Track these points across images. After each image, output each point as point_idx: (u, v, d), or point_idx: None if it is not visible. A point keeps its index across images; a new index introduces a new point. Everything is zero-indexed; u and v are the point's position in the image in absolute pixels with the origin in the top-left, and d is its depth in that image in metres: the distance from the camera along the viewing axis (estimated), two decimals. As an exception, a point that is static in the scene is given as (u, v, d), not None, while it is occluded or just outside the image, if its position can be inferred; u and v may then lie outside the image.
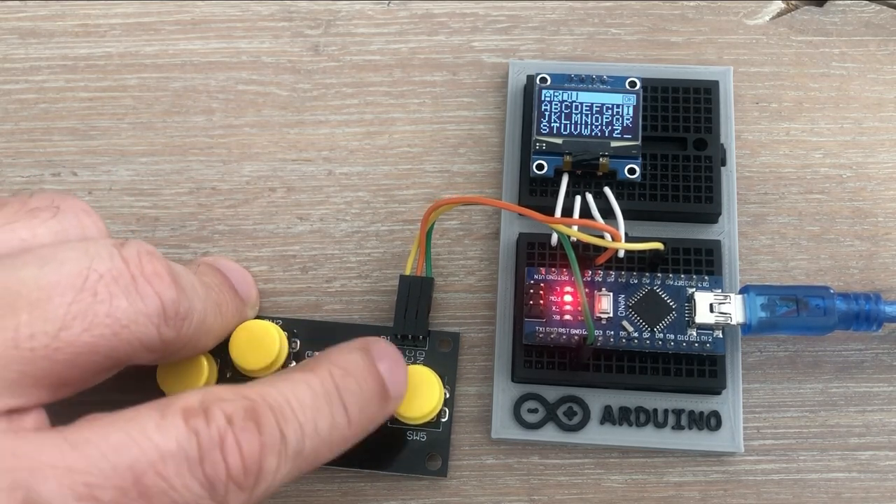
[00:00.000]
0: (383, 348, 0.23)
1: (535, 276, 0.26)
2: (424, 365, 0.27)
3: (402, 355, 0.24)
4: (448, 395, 0.27)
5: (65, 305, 0.19)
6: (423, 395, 0.25)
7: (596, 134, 0.27)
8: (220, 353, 0.26)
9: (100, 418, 0.18)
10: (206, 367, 0.26)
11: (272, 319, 0.27)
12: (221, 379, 0.27)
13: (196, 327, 0.22)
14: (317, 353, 0.23)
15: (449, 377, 0.27)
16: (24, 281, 0.19)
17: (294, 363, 0.27)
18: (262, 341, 0.26)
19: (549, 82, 0.28)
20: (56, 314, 0.19)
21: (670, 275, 0.26)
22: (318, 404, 0.21)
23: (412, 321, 0.26)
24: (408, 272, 0.27)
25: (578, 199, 0.28)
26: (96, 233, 0.22)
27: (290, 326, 0.27)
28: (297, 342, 0.27)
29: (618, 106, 0.28)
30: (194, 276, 0.23)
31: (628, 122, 0.28)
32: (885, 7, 0.31)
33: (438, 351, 0.27)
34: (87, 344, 0.19)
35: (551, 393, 0.27)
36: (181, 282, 0.21)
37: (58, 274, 0.19)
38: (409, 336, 0.27)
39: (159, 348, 0.21)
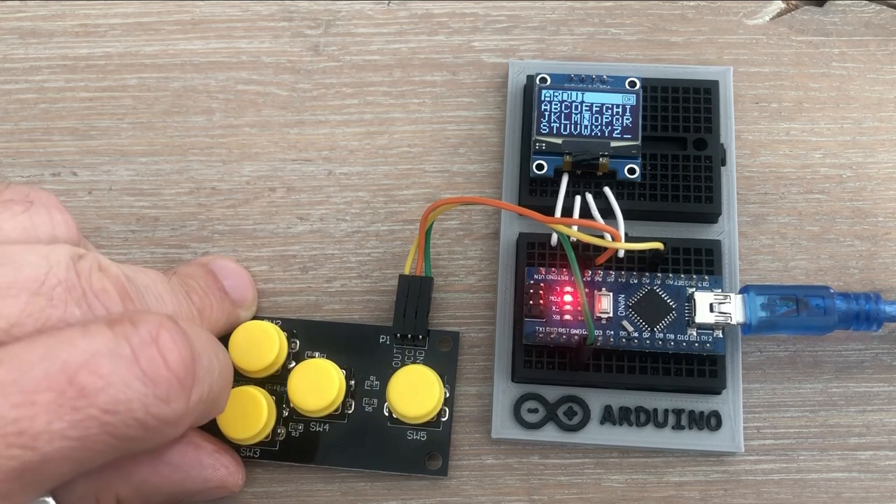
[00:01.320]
0: (223, 265, 0.26)
1: (535, 276, 0.26)
2: (424, 364, 0.27)
3: (245, 270, 0.27)
4: (448, 395, 0.27)
5: (20, 304, 0.19)
6: (422, 394, 0.25)
7: (596, 134, 0.27)
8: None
9: (23, 339, 0.18)
10: None
11: (272, 320, 0.27)
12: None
13: (206, 398, 0.22)
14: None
15: (449, 376, 0.27)
16: None
17: (294, 363, 0.27)
18: (261, 342, 0.26)
19: (549, 82, 0.28)
20: (10, 311, 0.19)
21: (670, 275, 0.26)
22: (213, 340, 0.22)
23: (412, 321, 0.26)
24: (407, 272, 0.27)
25: (578, 199, 0.28)
26: (65, 231, 0.22)
27: (290, 327, 0.27)
28: (296, 342, 0.27)
29: (618, 106, 0.28)
30: (166, 284, 0.23)
31: (628, 122, 0.28)
32: (885, 7, 0.31)
33: (438, 350, 0.27)
34: None
35: (551, 393, 0.27)
36: (141, 294, 0.21)
37: (16, 275, 0.19)
38: (409, 336, 0.27)
39: (160, 430, 0.21)
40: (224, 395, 0.23)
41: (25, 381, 0.17)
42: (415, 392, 0.25)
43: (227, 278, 0.27)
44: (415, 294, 0.27)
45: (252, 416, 0.25)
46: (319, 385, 0.26)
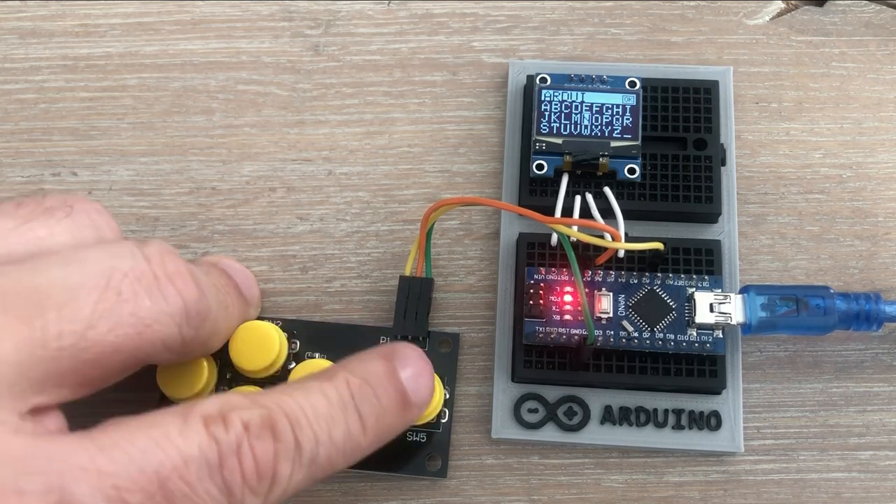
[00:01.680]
0: (407, 354, 0.23)
1: (536, 276, 0.26)
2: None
3: (428, 361, 0.23)
4: (448, 396, 0.27)
5: (91, 305, 0.19)
6: None
7: (596, 134, 0.27)
8: (220, 353, 0.26)
9: (124, 422, 0.18)
10: (205, 367, 0.26)
11: (272, 320, 0.27)
12: (221, 380, 0.27)
13: (211, 327, 0.22)
14: (338, 362, 0.23)
15: (449, 378, 0.27)
16: (50, 281, 0.19)
17: (294, 364, 0.27)
18: (261, 342, 0.26)
19: (549, 82, 0.28)
20: (83, 314, 0.19)
21: (670, 275, 0.26)
22: (333, 413, 0.21)
23: (412, 322, 0.26)
24: (408, 273, 0.27)
25: (578, 199, 0.28)
26: (109, 232, 0.22)
27: (290, 327, 0.27)
28: (296, 343, 0.27)
29: (618, 106, 0.28)
30: (206, 277, 0.23)
31: (628, 122, 0.28)
32: (885, 7, 0.31)
33: (438, 352, 0.27)
34: (112, 343, 0.19)
35: (551, 393, 0.27)
36: (200, 282, 0.21)
37: (82, 274, 0.19)
38: (409, 337, 0.27)
39: (179, 348, 0.21)
40: (344, 463, 0.22)
41: (121, 477, 0.17)
42: None
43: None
44: (415, 295, 0.27)
45: None
46: None
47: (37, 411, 0.19)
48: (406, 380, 0.22)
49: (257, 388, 0.26)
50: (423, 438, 0.26)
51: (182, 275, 0.21)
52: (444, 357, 0.27)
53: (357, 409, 0.21)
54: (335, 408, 0.21)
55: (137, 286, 0.20)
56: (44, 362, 0.18)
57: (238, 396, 0.20)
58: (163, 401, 0.27)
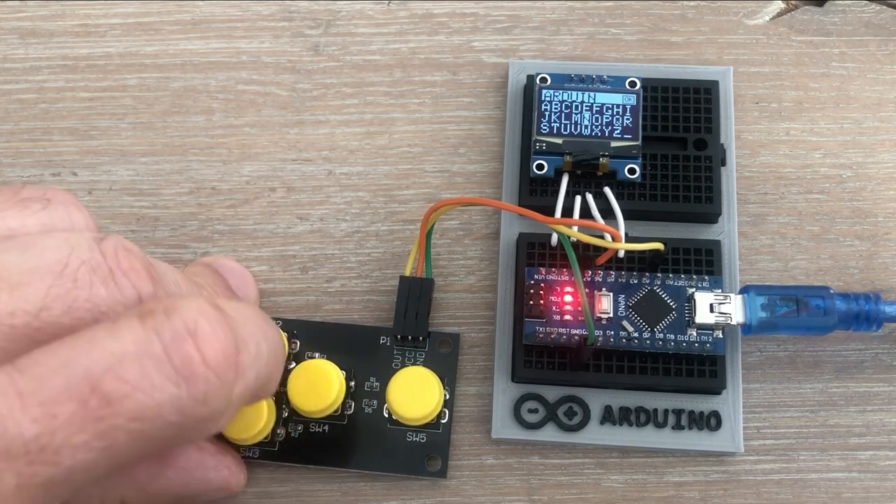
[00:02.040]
0: (224, 264, 0.26)
1: (536, 277, 0.26)
2: (424, 366, 0.27)
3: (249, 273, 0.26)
4: (448, 396, 0.27)
5: (45, 288, 0.18)
6: (422, 396, 0.25)
7: (596, 134, 0.27)
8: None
9: (51, 342, 0.18)
10: None
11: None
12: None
13: (252, 391, 0.21)
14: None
15: (449, 378, 0.27)
16: (5, 265, 0.19)
17: (294, 364, 0.27)
18: None
19: (549, 82, 0.28)
20: (36, 296, 0.18)
21: (670, 275, 0.26)
22: (264, 318, 0.20)
23: (412, 322, 0.26)
24: (408, 273, 0.27)
25: (578, 199, 0.27)
26: (84, 228, 0.22)
27: (290, 327, 0.27)
28: (296, 343, 0.27)
29: (618, 106, 0.28)
30: (181, 274, 0.23)
31: (628, 122, 0.28)
32: (885, 7, 0.31)
33: (438, 352, 0.27)
34: (67, 327, 0.18)
35: (551, 393, 0.27)
36: (161, 278, 0.21)
37: (38, 259, 0.19)
38: (409, 337, 0.27)
39: (196, 425, 0.20)
40: (275, 378, 0.21)
41: (45, 392, 0.17)
42: (414, 394, 0.25)
43: (231, 278, 0.26)
44: (415, 296, 0.27)
45: (252, 416, 0.25)
46: (319, 386, 0.26)
47: None
48: (233, 287, 0.25)
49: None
50: (422, 439, 0.26)
51: (136, 270, 0.20)
52: (445, 357, 0.27)
53: (273, 324, 0.21)
54: (260, 314, 0.21)
55: (93, 276, 0.19)
56: None
57: (181, 295, 0.19)
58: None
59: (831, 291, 0.26)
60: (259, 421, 0.25)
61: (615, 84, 0.28)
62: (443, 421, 0.26)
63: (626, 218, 0.27)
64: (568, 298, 0.26)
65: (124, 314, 0.18)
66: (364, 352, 0.27)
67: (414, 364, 0.27)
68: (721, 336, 0.26)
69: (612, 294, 0.26)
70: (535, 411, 0.27)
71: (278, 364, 0.21)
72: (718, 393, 0.26)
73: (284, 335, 0.27)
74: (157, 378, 0.17)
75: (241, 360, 0.18)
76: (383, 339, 0.27)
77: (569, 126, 0.28)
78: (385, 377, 0.27)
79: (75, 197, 0.22)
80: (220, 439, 0.26)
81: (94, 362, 0.17)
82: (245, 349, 0.19)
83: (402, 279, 0.27)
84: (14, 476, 0.16)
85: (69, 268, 0.19)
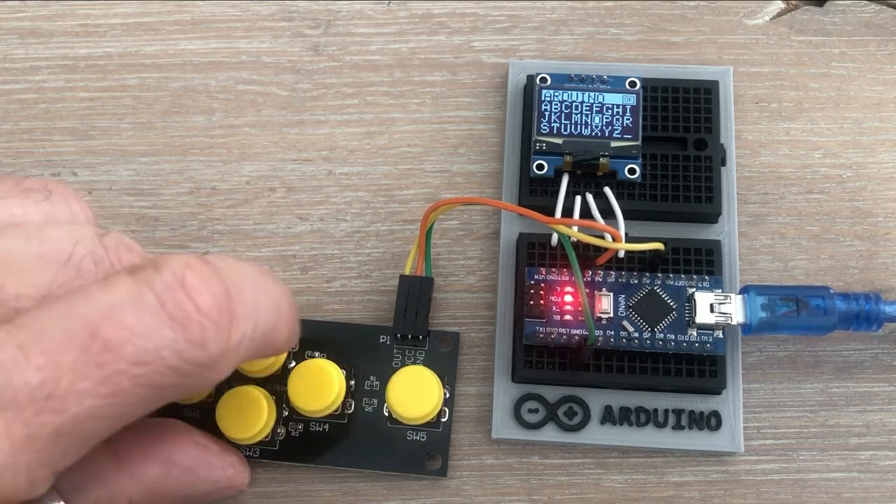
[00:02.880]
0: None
1: (536, 277, 0.26)
2: (424, 365, 0.27)
3: None
4: (448, 395, 0.27)
5: (50, 275, 0.19)
6: (422, 395, 0.25)
7: (596, 134, 0.27)
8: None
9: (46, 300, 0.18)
10: None
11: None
12: (221, 383, 0.27)
13: (257, 347, 0.21)
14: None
15: (449, 377, 0.27)
16: (11, 250, 0.19)
17: (294, 364, 0.27)
18: None
19: (549, 82, 0.28)
20: (42, 282, 0.18)
21: (670, 275, 0.26)
22: (262, 272, 0.21)
23: (412, 321, 0.26)
24: (407, 272, 0.27)
25: (578, 199, 0.27)
26: (84, 220, 0.22)
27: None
28: (296, 342, 0.27)
29: (618, 106, 0.28)
30: None
31: (628, 122, 0.28)
32: (885, 7, 0.31)
33: (438, 351, 0.27)
34: None
35: (551, 393, 0.27)
36: (237, 307, 0.20)
37: (43, 248, 0.19)
38: (409, 336, 0.27)
39: (195, 375, 0.20)
40: (284, 329, 0.21)
41: (46, 341, 0.17)
42: (414, 393, 0.25)
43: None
44: (415, 295, 0.27)
45: (252, 416, 0.25)
46: (319, 386, 0.26)
47: None
48: None
49: (259, 388, 0.26)
50: (423, 437, 0.26)
51: (198, 299, 0.19)
52: (444, 356, 0.27)
53: (276, 278, 0.21)
54: (259, 269, 0.21)
55: (97, 269, 0.19)
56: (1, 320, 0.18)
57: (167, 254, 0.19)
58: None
59: (831, 291, 0.26)
60: (259, 421, 0.25)
61: (615, 84, 0.28)
62: (443, 420, 0.26)
63: (626, 218, 0.27)
64: (568, 298, 0.26)
65: (114, 272, 0.18)
66: (364, 351, 0.27)
67: (414, 363, 0.27)
68: (721, 336, 0.26)
69: (612, 294, 0.26)
70: (535, 411, 0.27)
71: (282, 317, 0.21)
72: (718, 393, 0.26)
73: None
74: (154, 323, 0.17)
75: (234, 309, 0.19)
76: (383, 338, 0.27)
77: (569, 126, 0.28)
78: (385, 376, 0.27)
79: (75, 191, 0.22)
80: (219, 438, 0.26)
81: (91, 311, 0.17)
82: (240, 299, 0.19)
83: (402, 278, 0.27)
84: (23, 426, 0.17)
85: (73, 258, 0.19)
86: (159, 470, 0.23)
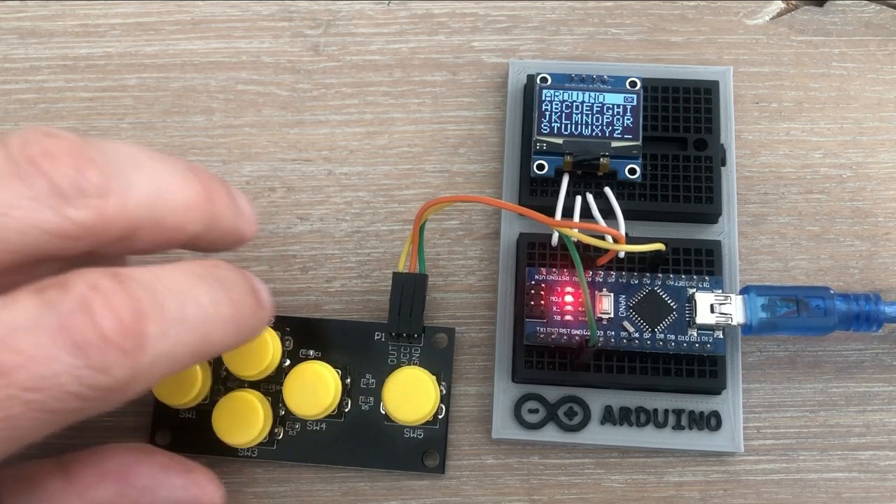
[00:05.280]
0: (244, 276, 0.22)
1: (536, 277, 0.26)
2: (420, 362, 0.27)
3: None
4: (444, 392, 0.27)
5: None
6: (418, 398, 0.25)
7: (596, 134, 0.27)
8: (215, 360, 0.26)
9: None
10: (199, 372, 0.26)
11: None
12: (215, 384, 0.27)
13: (144, 207, 0.19)
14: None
15: (445, 373, 0.27)
16: None
17: (288, 362, 0.27)
18: (254, 348, 0.26)
19: (549, 82, 0.28)
20: None
21: (671, 275, 0.26)
22: (192, 280, 0.19)
23: (406, 318, 0.26)
24: (401, 269, 0.27)
25: (579, 199, 0.27)
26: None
27: (283, 325, 0.27)
28: (290, 340, 0.27)
29: (618, 106, 0.28)
30: (139, 152, 0.21)
31: (629, 122, 0.28)
32: (885, 7, 0.31)
33: (434, 347, 0.27)
34: None
35: (552, 393, 0.27)
36: (96, 155, 0.19)
37: None
38: (404, 334, 0.27)
39: (76, 233, 0.18)
40: (220, 340, 0.20)
41: None
42: (410, 396, 0.25)
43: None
44: (409, 291, 0.26)
45: (248, 421, 0.25)
46: (315, 391, 0.25)
47: None
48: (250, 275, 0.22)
49: (254, 392, 0.26)
50: (420, 435, 0.26)
51: (49, 154, 0.18)
52: (440, 352, 0.27)
53: (217, 280, 0.20)
54: (192, 277, 0.19)
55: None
56: None
57: (81, 268, 0.18)
58: (157, 407, 0.27)
59: (831, 292, 0.26)
60: (255, 427, 0.25)
61: (615, 84, 0.28)
62: (439, 416, 0.26)
63: (626, 218, 0.27)
64: (569, 299, 0.26)
65: (22, 289, 0.17)
66: (359, 348, 0.27)
67: (410, 360, 0.27)
68: (721, 336, 0.26)
69: (612, 294, 0.26)
70: (535, 411, 0.27)
71: (223, 325, 0.20)
72: (718, 393, 0.26)
73: (277, 335, 0.27)
74: (52, 349, 0.16)
75: (144, 330, 0.17)
76: (378, 335, 0.27)
77: (569, 126, 0.28)
78: (381, 373, 0.27)
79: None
80: (216, 442, 0.25)
81: None
82: (155, 316, 0.18)
83: (396, 275, 0.27)
84: None
85: None
86: (113, 489, 0.22)
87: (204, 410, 0.26)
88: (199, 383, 0.26)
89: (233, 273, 0.21)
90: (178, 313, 0.18)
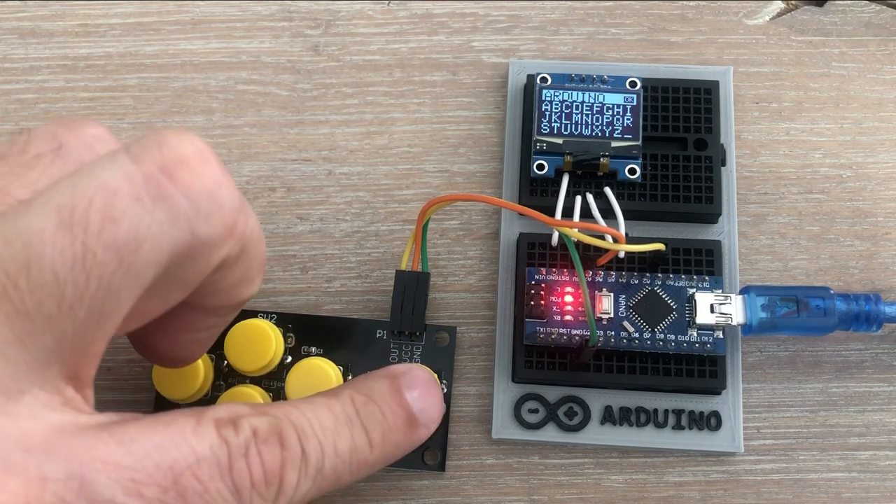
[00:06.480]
0: (415, 375, 0.23)
1: (536, 277, 0.26)
2: (422, 359, 0.27)
3: (437, 382, 0.24)
4: (445, 390, 0.27)
5: (50, 263, 0.16)
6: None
7: (596, 134, 0.27)
8: (216, 351, 0.26)
9: (141, 419, 0.19)
10: (202, 368, 0.26)
11: (266, 314, 0.27)
12: (217, 379, 0.27)
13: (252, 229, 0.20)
14: (346, 382, 0.23)
15: (446, 372, 0.27)
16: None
17: (290, 359, 0.27)
18: (256, 343, 0.26)
19: (549, 82, 0.28)
20: (46, 278, 0.16)
21: (671, 275, 0.26)
22: (339, 426, 0.21)
23: (408, 317, 0.26)
24: (403, 267, 0.27)
25: (579, 199, 0.27)
26: (108, 141, 0.20)
27: (285, 321, 0.27)
28: (292, 337, 0.27)
29: (618, 106, 0.28)
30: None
31: (629, 122, 0.28)
32: (885, 7, 0.31)
33: (435, 345, 0.27)
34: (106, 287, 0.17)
35: (552, 393, 0.27)
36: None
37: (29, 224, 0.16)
38: (406, 332, 0.27)
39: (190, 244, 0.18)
40: (352, 478, 0.22)
41: (138, 469, 0.17)
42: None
43: (415, 388, 0.23)
44: (411, 290, 0.27)
45: None
46: (317, 387, 0.25)
47: (73, 380, 0.18)
48: (413, 400, 0.22)
49: (257, 386, 0.26)
50: (422, 437, 0.26)
51: (187, 163, 0.17)
52: (442, 350, 0.27)
53: (362, 425, 0.21)
54: (340, 422, 0.21)
55: (119, 204, 0.16)
56: (47, 332, 0.17)
57: (246, 406, 0.20)
58: (158, 401, 0.27)
59: (831, 292, 0.26)
60: None
61: (615, 84, 0.28)
62: (441, 415, 0.26)
63: (626, 218, 0.27)
64: (569, 299, 0.26)
65: (204, 417, 0.19)
66: (361, 345, 0.27)
67: (411, 358, 0.27)
68: (721, 336, 0.26)
69: (612, 294, 0.26)
70: (535, 411, 0.27)
71: (357, 470, 0.21)
72: (718, 393, 0.26)
73: (280, 331, 0.27)
74: (220, 486, 0.18)
75: (285, 478, 0.19)
76: (380, 333, 0.27)
77: (569, 126, 0.28)
78: (383, 372, 0.27)
79: (95, 121, 0.20)
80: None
81: (180, 456, 0.18)
82: (298, 468, 0.20)
83: (399, 273, 0.27)
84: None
85: (77, 213, 0.16)
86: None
87: (206, 405, 0.26)
88: (200, 378, 0.26)
89: (387, 404, 0.22)
90: (317, 464, 0.20)
